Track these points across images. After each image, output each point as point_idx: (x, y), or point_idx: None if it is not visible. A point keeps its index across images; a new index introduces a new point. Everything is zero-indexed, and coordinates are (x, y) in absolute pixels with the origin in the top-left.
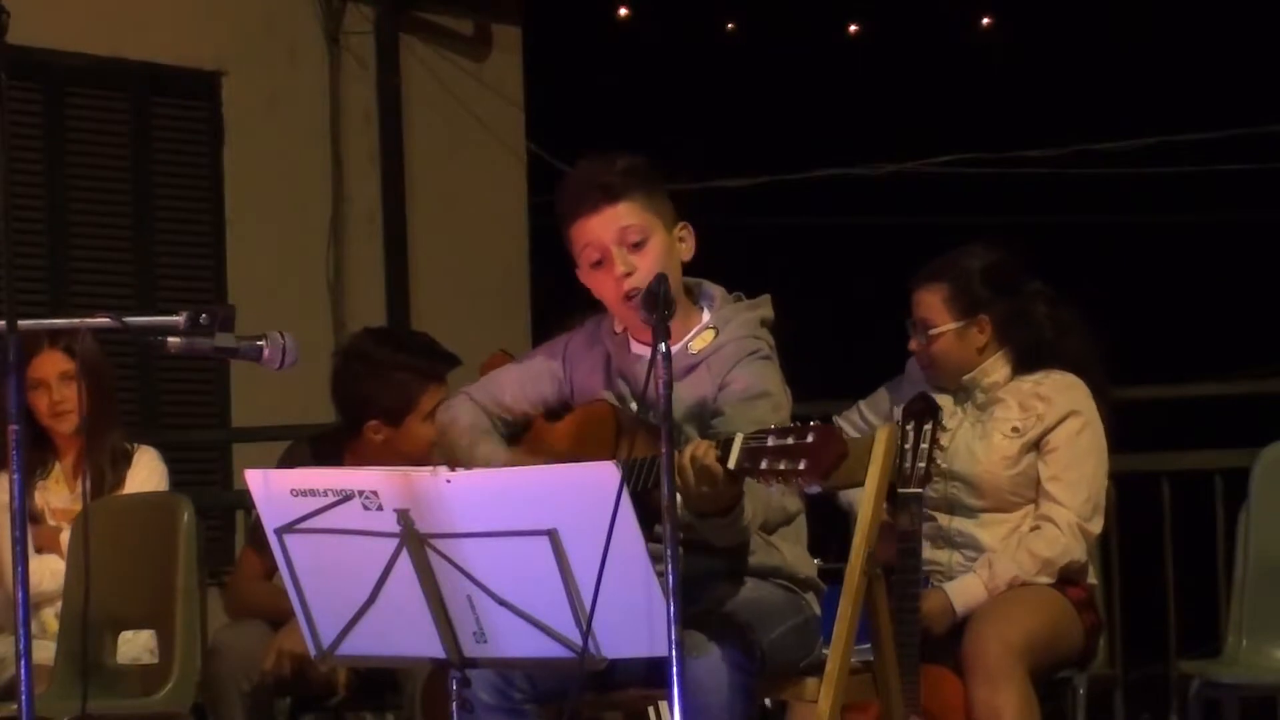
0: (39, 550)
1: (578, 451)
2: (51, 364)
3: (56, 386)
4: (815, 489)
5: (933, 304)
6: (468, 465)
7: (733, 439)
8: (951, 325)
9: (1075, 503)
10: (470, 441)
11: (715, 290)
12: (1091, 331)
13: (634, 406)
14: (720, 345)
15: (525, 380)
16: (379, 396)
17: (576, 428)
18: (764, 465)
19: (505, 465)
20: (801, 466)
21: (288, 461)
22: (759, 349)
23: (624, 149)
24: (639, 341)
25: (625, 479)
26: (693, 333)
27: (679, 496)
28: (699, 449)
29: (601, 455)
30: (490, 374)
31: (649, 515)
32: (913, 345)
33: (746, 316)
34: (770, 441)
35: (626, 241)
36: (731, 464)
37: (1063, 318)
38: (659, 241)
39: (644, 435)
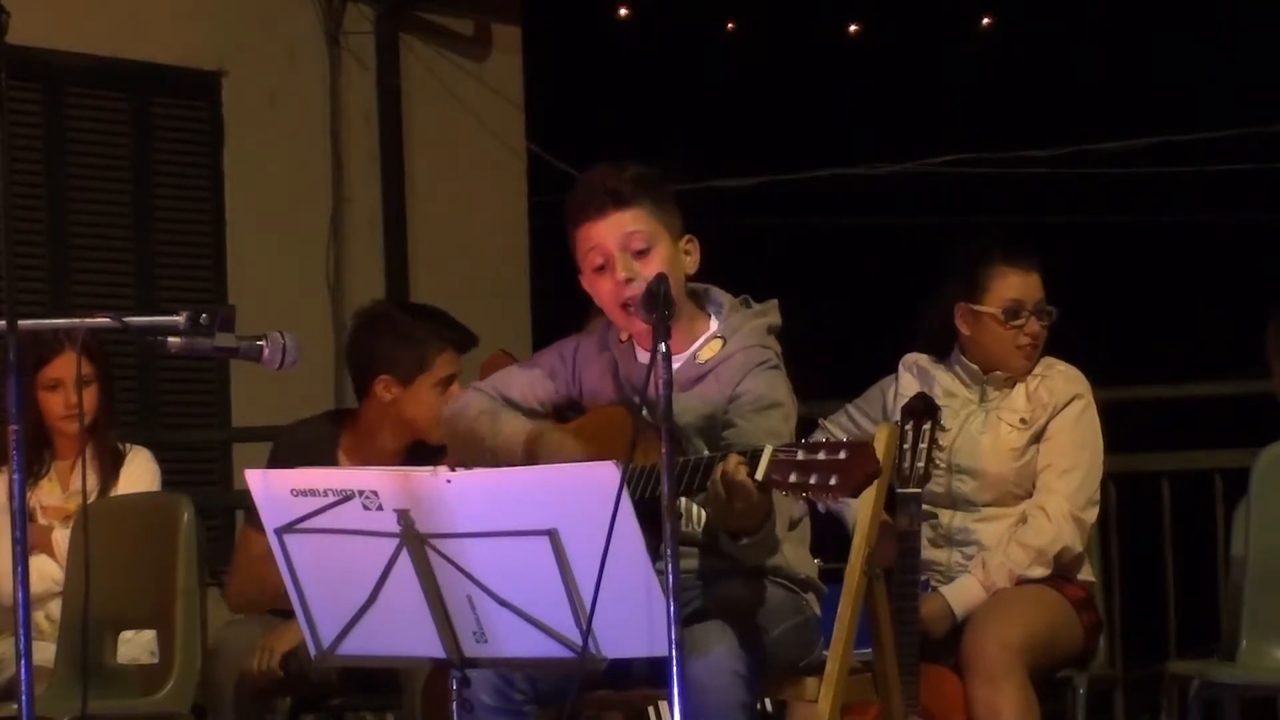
0: (31, 550)
1: (592, 453)
2: (72, 367)
3: (75, 389)
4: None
5: (1039, 285)
6: (490, 442)
7: (760, 451)
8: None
9: (1068, 490)
10: (491, 417)
11: (723, 297)
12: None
13: (645, 413)
14: (728, 355)
15: (534, 380)
16: (395, 351)
17: (592, 430)
18: (792, 478)
19: (533, 435)
20: (833, 482)
21: (280, 451)
22: (767, 359)
23: (624, 149)
24: (644, 349)
25: (637, 485)
26: (700, 341)
27: (714, 519)
28: (729, 465)
29: (615, 459)
30: (498, 373)
31: (659, 521)
32: (1036, 329)
33: (754, 325)
34: (800, 455)
35: (631, 248)
36: (759, 475)
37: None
38: (663, 250)
39: (658, 442)
